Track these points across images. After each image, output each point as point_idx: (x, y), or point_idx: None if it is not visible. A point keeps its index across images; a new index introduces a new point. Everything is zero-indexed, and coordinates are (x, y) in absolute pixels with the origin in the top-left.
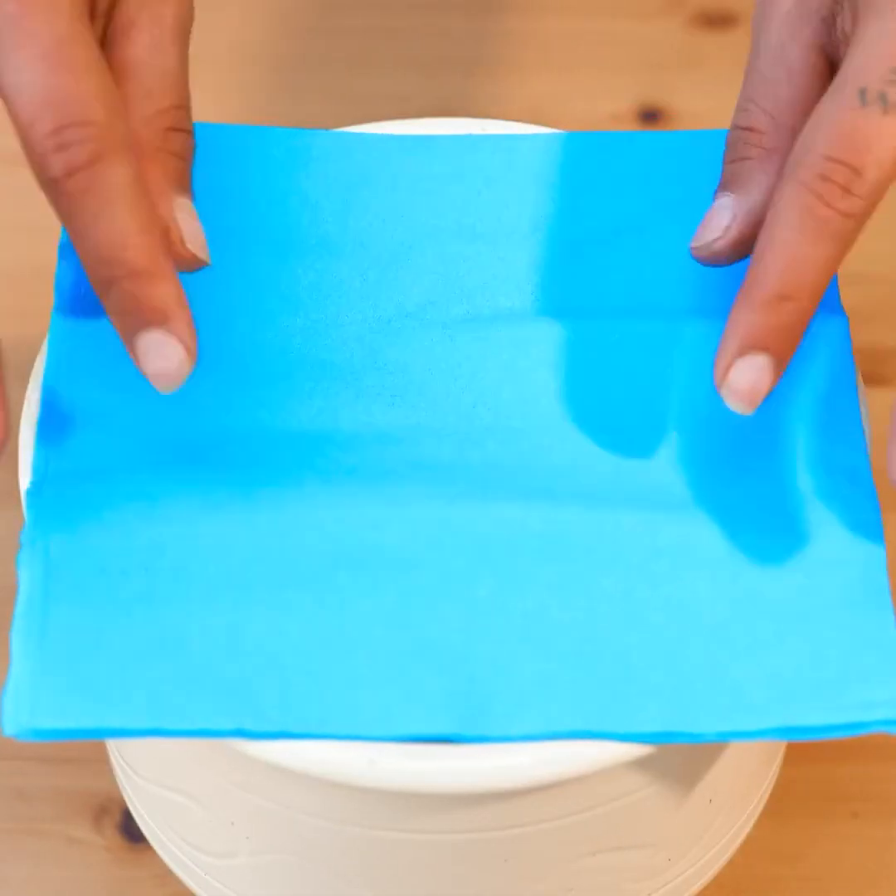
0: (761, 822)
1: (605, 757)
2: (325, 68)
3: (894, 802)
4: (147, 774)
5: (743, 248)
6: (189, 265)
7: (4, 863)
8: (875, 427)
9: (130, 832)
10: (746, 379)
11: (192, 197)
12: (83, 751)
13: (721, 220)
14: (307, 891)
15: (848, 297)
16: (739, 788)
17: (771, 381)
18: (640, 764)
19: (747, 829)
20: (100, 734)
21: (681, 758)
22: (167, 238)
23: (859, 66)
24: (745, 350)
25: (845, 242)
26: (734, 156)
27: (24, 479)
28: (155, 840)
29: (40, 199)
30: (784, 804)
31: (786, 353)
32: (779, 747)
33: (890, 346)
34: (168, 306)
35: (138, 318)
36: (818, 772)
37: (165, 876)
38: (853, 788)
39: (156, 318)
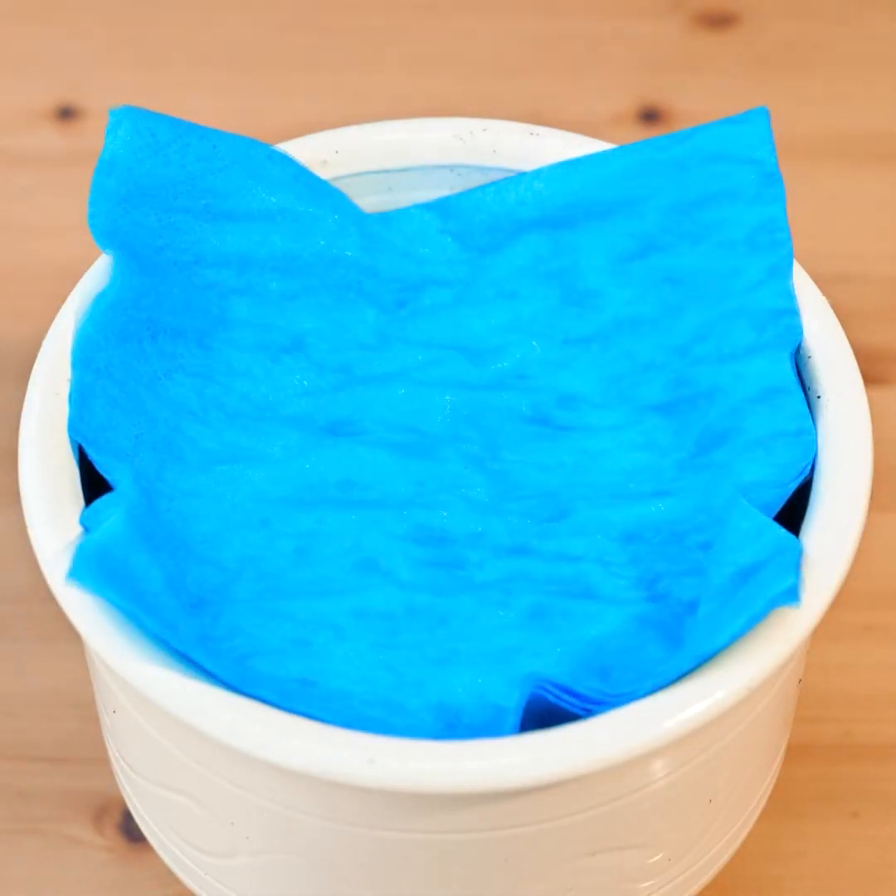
0: (761, 822)
1: (605, 757)
2: (325, 68)
3: (894, 802)
4: (147, 774)
5: None
6: None
7: (4, 863)
8: (875, 427)
9: (130, 832)
10: None
11: None
12: (83, 751)
13: None
14: (307, 891)
15: (848, 297)
16: (739, 788)
17: None
18: (640, 764)
19: (747, 829)
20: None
21: (681, 758)
22: None
23: None
24: None
25: None
26: None
27: (28, 477)
28: (155, 840)
29: (40, 200)
30: (784, 804)
31: None
32: (779, 747)
33: (890, 346)
34: None
35: None
36: (818, 772)
37: (165, 876)
38: (853, 788)
39: None
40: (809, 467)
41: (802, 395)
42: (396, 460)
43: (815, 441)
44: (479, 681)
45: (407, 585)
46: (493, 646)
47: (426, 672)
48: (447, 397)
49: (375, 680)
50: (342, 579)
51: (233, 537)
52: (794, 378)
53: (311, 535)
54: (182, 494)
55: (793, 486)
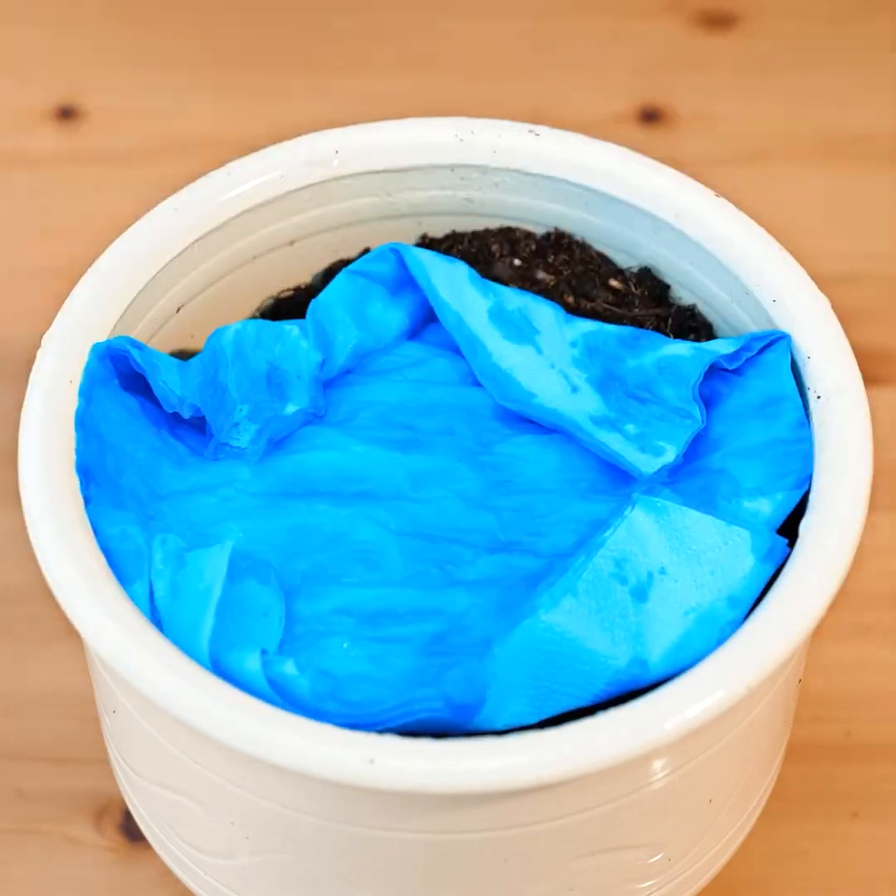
0: (761, 822)
1: (605, 757)
2: (325, 68)
3: (894, 802)
4: (147, 774)
5: None
6: None
7: (4, 863)
8: (875, 427)
9: (130, 832)
10: None
11: None
12: (83, 751)
13: None
14: (307, 891)
15: (848, 297)
16: (739, 788)
17: None
18: (641, 764)
19: (747, 829)
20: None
21: (681, 758)
22: None
23: None
24: None
25: None
26: None
27: (28, 477)
28: (155, 840)
29: (40, 200)
30: (784, 804)
31: None
32: (779, 747)
33: (890, 346)
34: None
35: None
36: (818, 772)
37: (165, 876)
38: (853, 788)
39: None
40: (808, 479)
41: (801, 403)
42: (389, 454)
43: (812, 451)
44: (469, 673)
45: (398, 581)
46: (484, 639)
47: (415, 664)
48: (440, 394)
49: (361, 673)
50: (333, 571)
51: (226, 527)
52: (793, 387)
53: (303, 526)
54: (176, 494)
55: (795, 497)
